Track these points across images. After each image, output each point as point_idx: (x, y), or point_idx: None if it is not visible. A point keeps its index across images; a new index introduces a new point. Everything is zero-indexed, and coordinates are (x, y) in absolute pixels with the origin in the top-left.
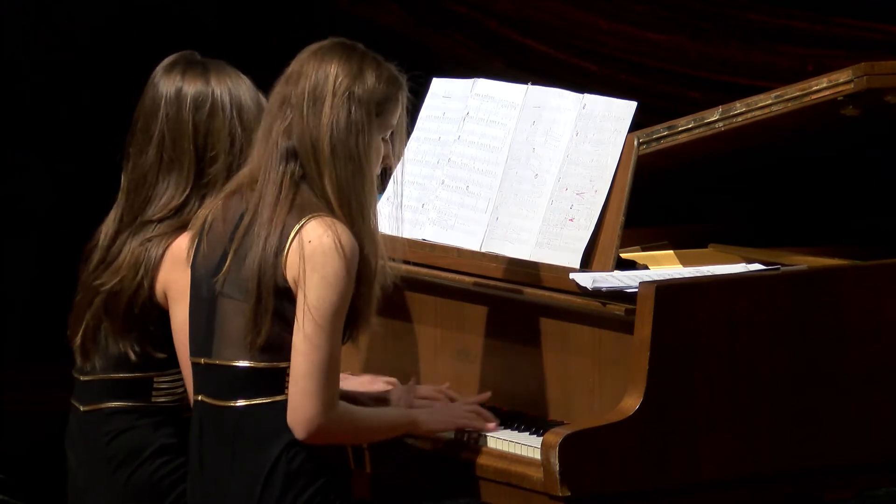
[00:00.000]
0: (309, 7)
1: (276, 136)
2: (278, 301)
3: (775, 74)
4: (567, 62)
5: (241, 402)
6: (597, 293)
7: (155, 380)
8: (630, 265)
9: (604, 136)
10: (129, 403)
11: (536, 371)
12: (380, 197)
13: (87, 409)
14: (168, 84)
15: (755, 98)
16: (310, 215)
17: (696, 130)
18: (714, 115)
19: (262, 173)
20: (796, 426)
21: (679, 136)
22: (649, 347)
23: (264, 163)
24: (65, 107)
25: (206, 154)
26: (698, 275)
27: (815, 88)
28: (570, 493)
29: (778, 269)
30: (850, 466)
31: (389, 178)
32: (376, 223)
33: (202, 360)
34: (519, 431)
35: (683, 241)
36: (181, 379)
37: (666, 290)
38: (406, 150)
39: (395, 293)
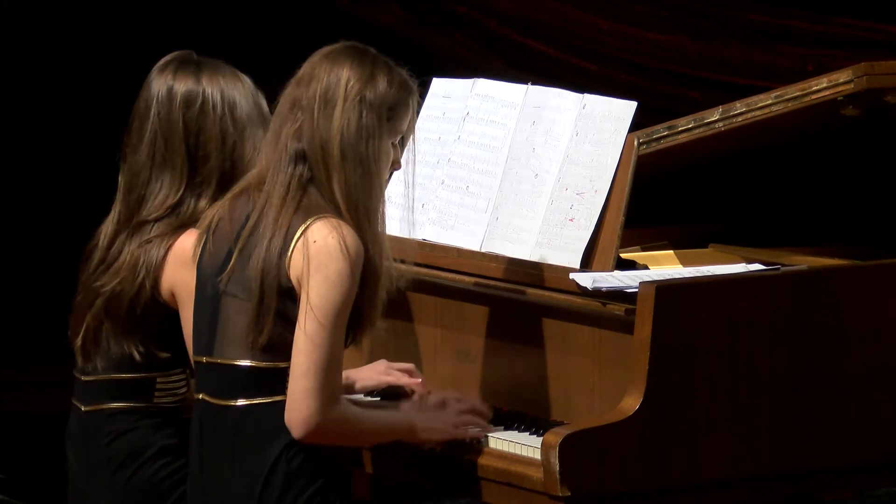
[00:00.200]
0: (309, 7)
1: (286, 139)
2: (281, 301)
3: (775, 74)
4: (567, 62)
5: (241, 402)
6: (597, 293)
7: (158, 380)
8: (630, 265)
9: (604, 136)
10: (131, 404)
11: (536, 371)
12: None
13: (88, 409)
14: (160, 83)
15: (755, 98)
16: (315, 216)
17: (696, 130)
18: (714, 115)
19: (271, 175)
20: (796, 426)
21: (679, 136)
22: (649, 347)
23: (273, 164)
24: (65, 107)
25: (198, 152)
26: (698, 275)
27: (815, 88)
28: (570, 493)
29: (778, 269)
30: (850, 466)
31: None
32: (384, 227)
33: (204, 359)
34: (519, 431)
35: (683, 241)
36: (183, 379)
37: (666, 290)
38: (406, 150)
39: (396, 293)
